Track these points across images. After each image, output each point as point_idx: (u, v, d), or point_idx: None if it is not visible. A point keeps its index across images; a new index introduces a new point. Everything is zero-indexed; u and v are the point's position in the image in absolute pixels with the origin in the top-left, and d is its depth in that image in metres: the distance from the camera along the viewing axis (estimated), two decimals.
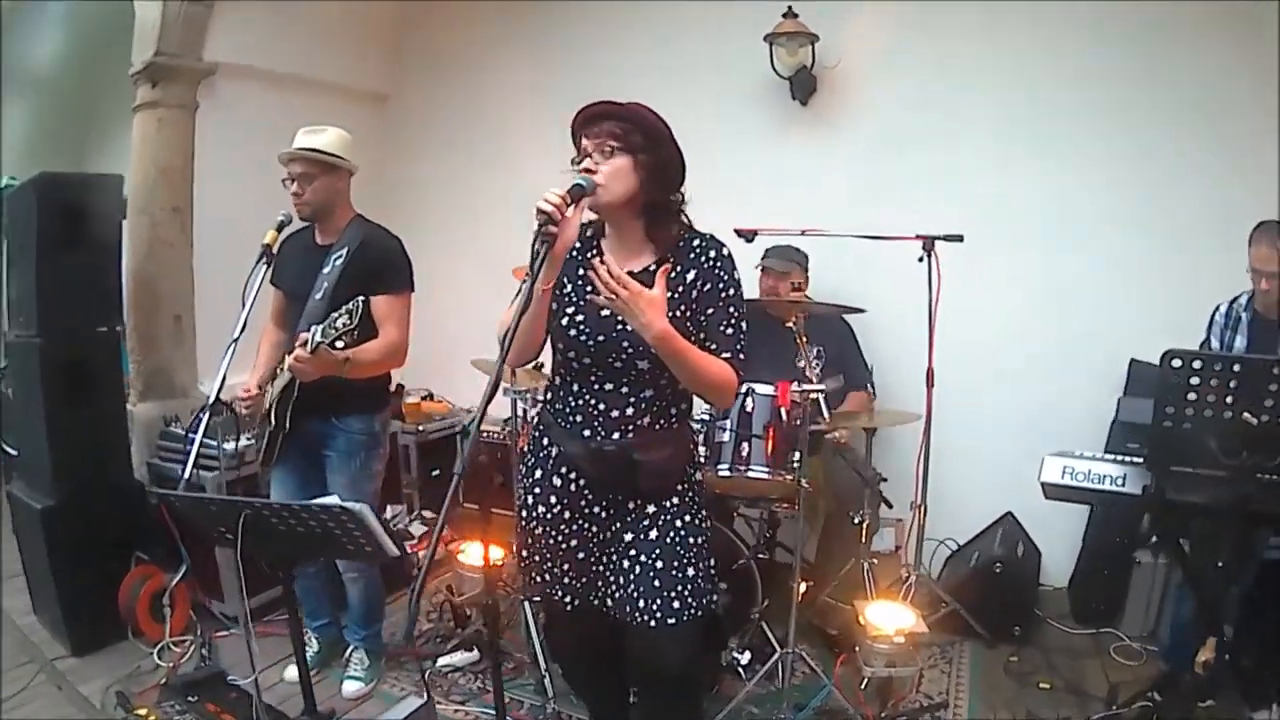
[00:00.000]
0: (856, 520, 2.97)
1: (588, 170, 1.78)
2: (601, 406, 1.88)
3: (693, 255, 1.87)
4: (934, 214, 3.29)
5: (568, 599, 2.00)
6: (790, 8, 3.61)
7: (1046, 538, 3.44)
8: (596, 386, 1.88)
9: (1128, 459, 2.25)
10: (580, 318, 1.85)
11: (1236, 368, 1.87)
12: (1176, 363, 1.91)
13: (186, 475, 2.35)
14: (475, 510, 3.92)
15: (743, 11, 3.80)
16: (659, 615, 1.86)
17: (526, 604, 2.96)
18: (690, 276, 1.85)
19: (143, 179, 3.26)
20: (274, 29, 3.71)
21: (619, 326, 1.79)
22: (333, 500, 1.93)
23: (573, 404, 1.91)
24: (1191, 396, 1.91)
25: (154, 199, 3.34)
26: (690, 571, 1.90)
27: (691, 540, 1.92)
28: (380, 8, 4.33)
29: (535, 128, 4.34)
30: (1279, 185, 2.87)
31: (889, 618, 2.64)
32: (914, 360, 3.13)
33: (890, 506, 3.12)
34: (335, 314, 2.26)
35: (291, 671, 2.84)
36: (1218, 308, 2.68)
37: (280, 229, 2.57)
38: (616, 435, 1.88)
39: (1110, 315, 3.42)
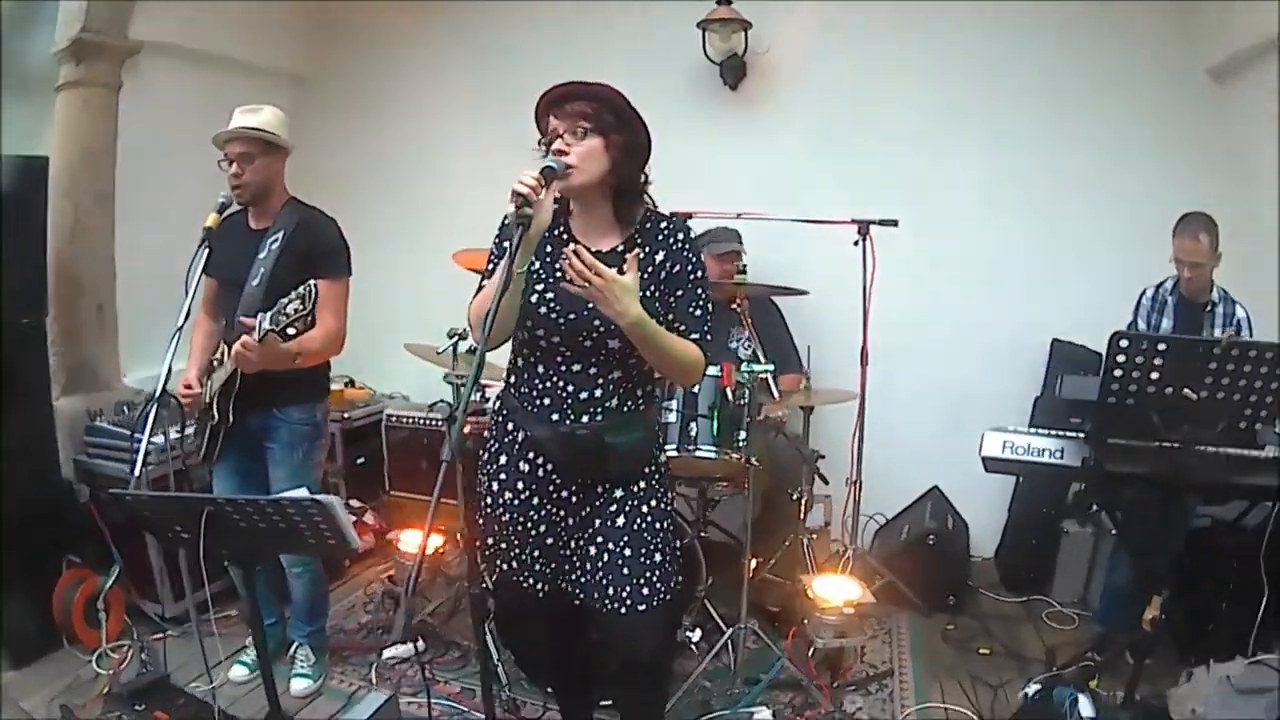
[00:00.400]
0: (795, 497, 3.05)
1: (559, 151, 1.75)
2: (570, 388, 1.85)
3: (660, 236, 1.86)
4: (862, 197, 3.38)
5: (538, 585, 1.97)
6: None
7: (971, 510, 3.60)
8: (564, 368, 1.85)
9: (1063, 433, 2.40)
10: (550, 295, 1.81)
11: (1176, 349, 2.00)
12: (1124, 343, 2.05)
13: (137, 473, 2.25)
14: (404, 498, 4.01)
15: None
16: (629, 602, 1.86)
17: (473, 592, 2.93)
18: (659, 258, 1.84)
19: (66, 162, 3.07)
20: (196, 7, 3.56)
21: (589, 305, 1.75)
22: (302, 494, 1.89)
23: (540, 386, 1.88)
24: (1136, 374, 2.03)
25: (77, 183, 3.16)
26: (658, 557, 1.90)
27: (658, 525, 1.93)
28: None
29: (456, 110, 4.38)
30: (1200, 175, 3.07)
31: (836, 590, 2.73)
32: (845, 340, 3.23)
33: (826, 483, 3.21)
34: (286, 300, 2.17)
35: (237, 671, 2.81)
36: (1144, 291, 2.85)
37: (221, 211, 2.46)
38: (585, 418, 1.86)
39: (1032, 297, 3.61)
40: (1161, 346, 2.03)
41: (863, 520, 3.53)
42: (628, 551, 1.88)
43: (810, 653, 2.72)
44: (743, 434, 2.62)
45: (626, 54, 3.86)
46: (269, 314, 2.23)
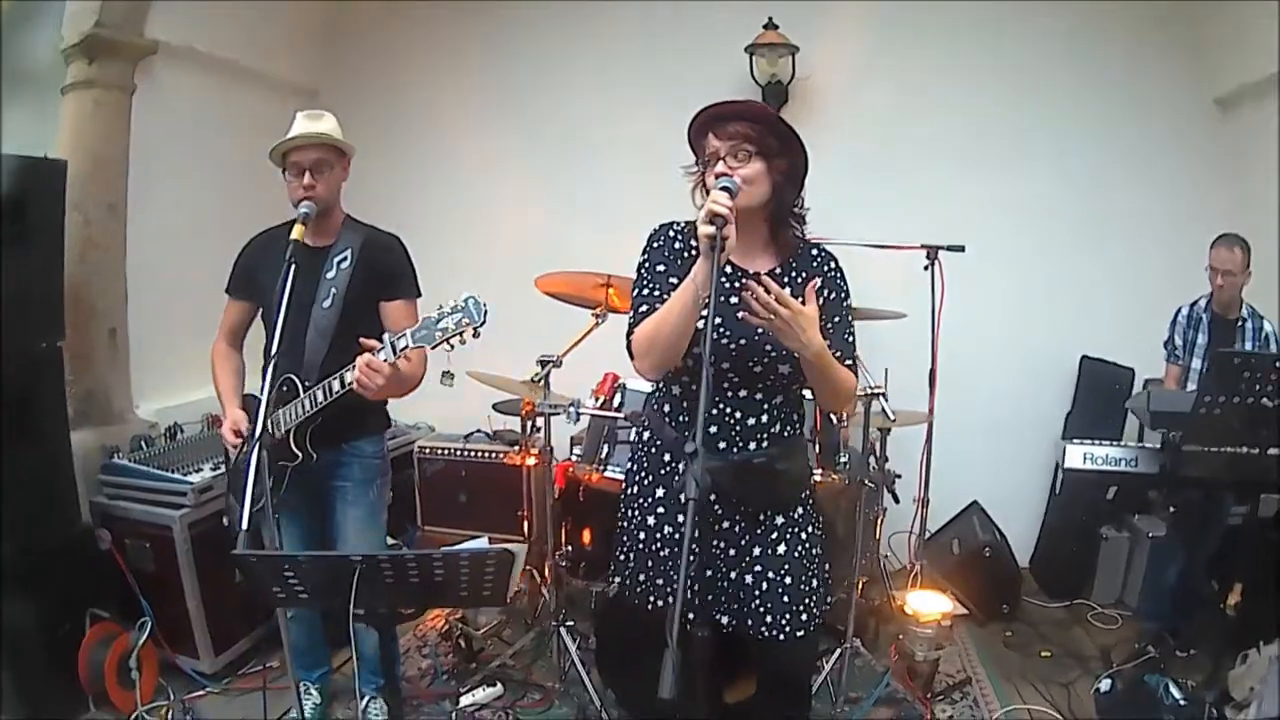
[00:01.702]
0: (872, 517, 3.22)
1: (722, 174, 1.79)
2: (738, 414, 1.89)
3: (815, 263, 1.94)
4: (899, 221, 3.56)
5: (691, 616, 2.01)
6: (770, 18, 3.86)
7: (1005, 522, 3.82)
8: (731, 394, 1.89)
9: (1132, 444, 2.71)
10: (718, 321, 1.80)
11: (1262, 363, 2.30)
12: (1224, 359, 2.32)
13: (245, 525, 2.00)
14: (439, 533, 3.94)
15: (708, 20, 4.03)
16: (788, 629, 1.91)
17: (563, 630, 2.96)
18: (817, 285, 1.87)
19: (75, 170, 2.82)
20: (210, 8, 3.40)
21: (759, 330, 1.80)
22: (482, 544, 1.85)
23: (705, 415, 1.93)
24: (1226, 387, 2.32)
25: (88, 194, 2.93)
26: (814, 583, 1.97)
27: (815, 551, 1.99)
28: None
29: (479, 130, 4.40)
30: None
31: (931, 604, 2.93)
32: (906, 362, 3.35)
33: (898, 502, 3.39)
34: (436, 317, 2.10)
35: None
36: (1179, 309, 3.21)
37: (305, 223, 2.30)
38: (752, 445, 1.90)
39: (1061, 317, 3.95)
40: (1253, 361, 2.33)
41: (902, 536, 3.79)
42: (789, 580, 1.92)
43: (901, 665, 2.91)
44: (844, 455, 2.78)
45: (668, 75, 4.03)
46: (409, 332, 2.13)
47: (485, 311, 2.06)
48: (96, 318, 3.06)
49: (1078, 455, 2.81)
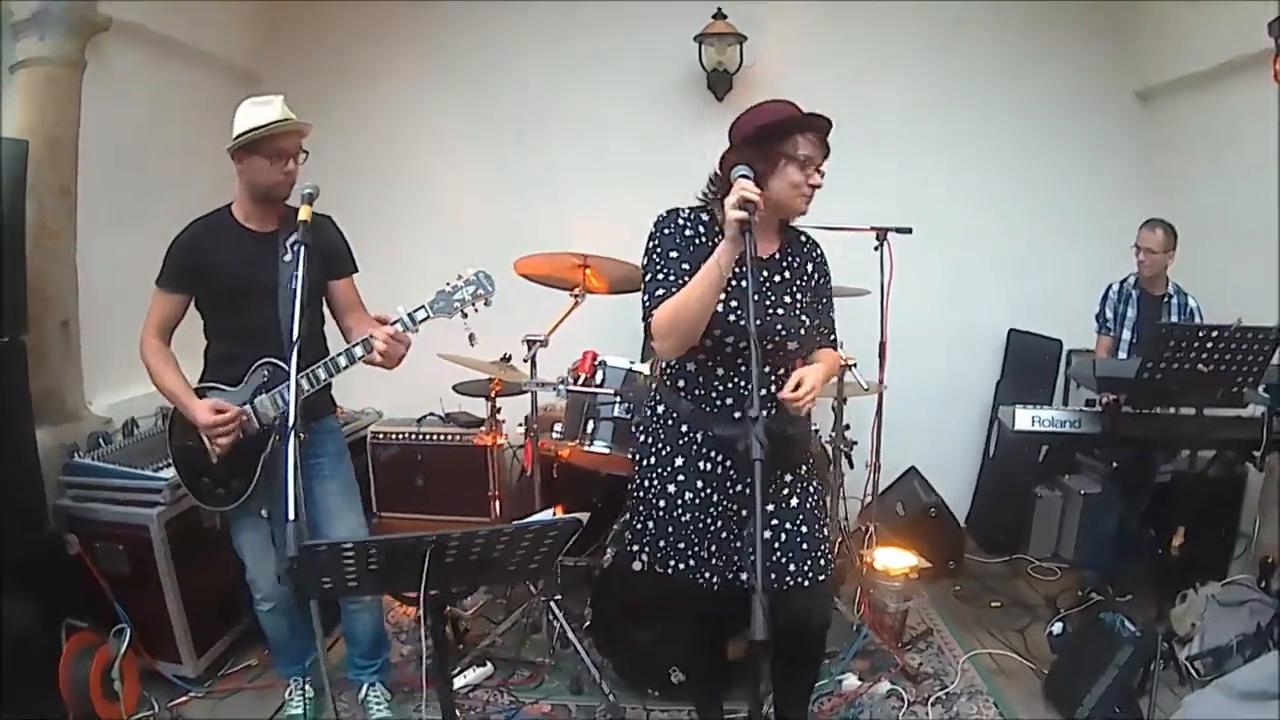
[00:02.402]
0: (835, 482, 3.48)
1: (819, 186, 2.10)
2: (749, 387, 2.01)
3: (805, 249, 2.22)
4: (838, 203, 3.79)
5: (714, 579, 2.18)
6: (720, 9, 4.07)
7: (941, 485, 4.12)
8: (744, 368, 2.09)
9: (1075, 408, 3.07)
10: (734, 303, 2.03)
11: (1191, 332, 2.65)
12: (1165, 330, 2.66)
13: (293, 515, 1.96)
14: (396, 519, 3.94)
15: (659, 10, 4.19)
16: (810, 575, 2.14)
17: (553, 605, 3.07)
18: (809, 269, 2.19)
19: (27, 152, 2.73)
20: None
21: (770, 311, 2.07)
22: (547, 515, 1.95)
23: (720, 388, 2.12)
24: (1167, 355, 2.66)
25: (41, 177, 2.77)
26: (825, 531, 2.22)
27: (821, 502, 2.25)
28: None
29: (426, 115, 4.41)
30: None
31: (898, 560, 3.23)
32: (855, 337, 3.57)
33: (852, 467, 3.60)
34: (451, 287, 2.30)
35: None
36: (1110, 286, 3.59)
37: (311, 203, 2.29)
38: (765, 413, 2.11)
39: (989, 292, 4.32)
40: (1186, 333, 2.67)
41: (851, 501, 4.03)
42: (804, 529, 2.16)
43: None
44: (815, 424, 2.99)
45: (619, 62, 4.21)
46: (426, 304, 2.30)
47: (493, 283, 2.32)
48: (49, 309, 2.93)
49: (1026, 418, 3.13)
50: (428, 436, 3.93)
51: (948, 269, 4.30)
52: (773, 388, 2.11)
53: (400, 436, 3.95)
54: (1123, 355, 3.47)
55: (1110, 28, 4.12)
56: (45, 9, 2.77)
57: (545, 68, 4.34)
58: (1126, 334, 3.50)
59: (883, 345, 3.58)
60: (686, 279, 2.02)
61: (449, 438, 3.96)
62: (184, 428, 2.48)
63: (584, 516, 1.85)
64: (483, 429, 3.74)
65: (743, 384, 2.11)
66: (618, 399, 3.03)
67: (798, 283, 2.16)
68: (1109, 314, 3.56)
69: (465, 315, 2.32)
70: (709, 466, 2.16)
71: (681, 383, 2.19)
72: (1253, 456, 2.84)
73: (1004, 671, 3.09)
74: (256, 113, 2.37)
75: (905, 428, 4.14)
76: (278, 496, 2.44)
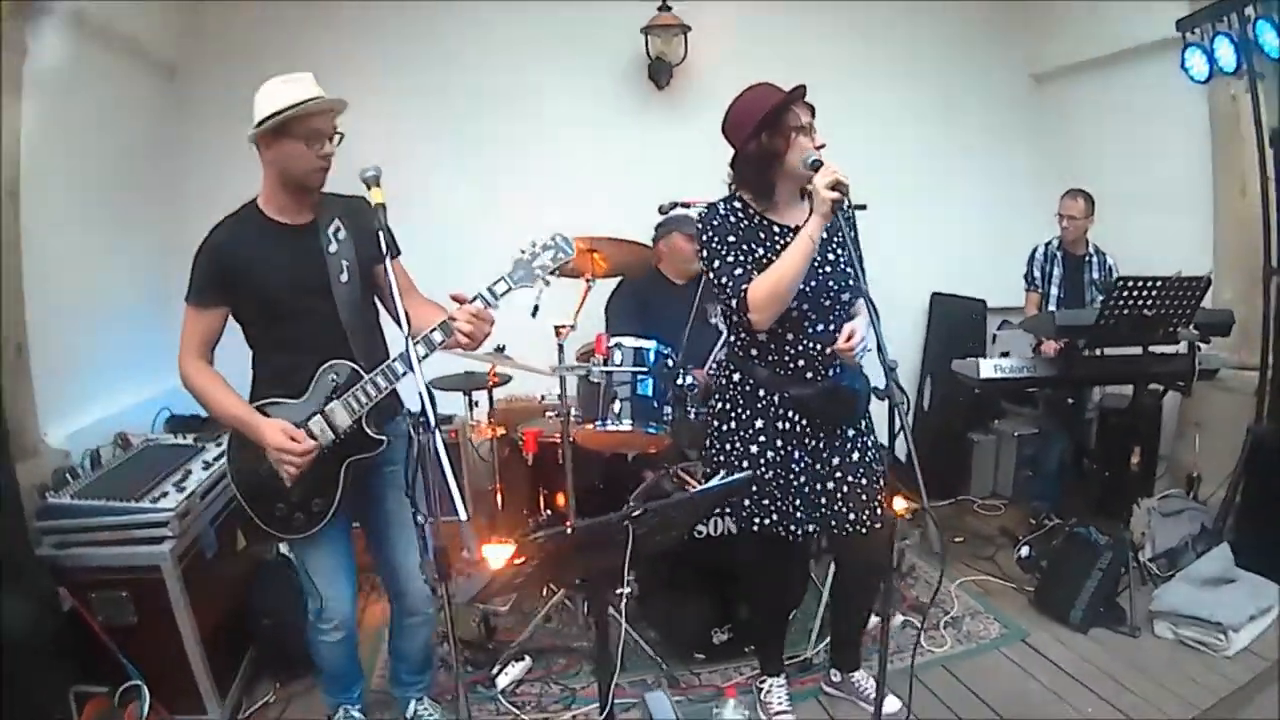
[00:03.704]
0: None
1: (819, 145, 2.30)
2: (817, 347, 2.38)
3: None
4: None
5: (796, 530, 2.45)
6: (665, 2, 4.31)
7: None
8: (810, 329, 2.37)
9: (1030, 356, 3.59)
10: None
11: (1144, 283, 3.18)
12: (1120, 282, 3.15)
13: (467, 515, 1.88)
14: None
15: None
16: (868, 524, 2.46)
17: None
18: (839, 229, 2.38)
19: None
20: None
21: (820, 270, 2.34)
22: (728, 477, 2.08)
23: (791, 351, 2.39)
24: (1121, 302, 3.18)
25: None
26: (881, 482, 2.52)
27: (879, 454, 2.54)
28: None
29: (361, 108, 4.09)
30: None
31: (895, 501, 3.58)
32: None
33: None
34: (527, 254, 2.16)
35: None
36: (1036, 248, 4.14)
37: (377, 183, 2.11)
38: (830, 372, 2.40)
39: (911, 261, 4.78)
40: (1142, 284, 3.21)
41: None
42: (864, 480, 2.47)
43: None
44: None
45: (567, 49, 4.31)
46: (505, 275, 2.16)
47: (571, 245, 2.19)
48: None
49: (989, 367, 3.58)
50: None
51: (871, 240, 4.72)
52: (830, 349, 2.34)
53: None
54: (1051, 308, 4.05)
55: (1007, 19, 4.74)
56: None
57: (487, 59, 4.36)
58: (1054, 290, 4.07)
59: None
60: (751, 259, 2.30)
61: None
62: (248, 451, 2.26)
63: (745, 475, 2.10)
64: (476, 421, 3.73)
65: (812, 345, 2.37)
66: (650, 376, 3.15)
67: (834, 241, 2.40)
68: (1036, 273, 4.13)
69: (546, 282, 2.21)
70: (786, 426, 2.40)
71: (755, 350, 2.43)
72: (1179, 386, 3.45)
73: (990, 593, 3.54)
74: (286, 91, 2.16)
75: None
76: (374, 511, 2.47)
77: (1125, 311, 3.18)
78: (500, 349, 3.32)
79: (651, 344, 3.23)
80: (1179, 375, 3.42)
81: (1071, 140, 4.60)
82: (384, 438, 2.31)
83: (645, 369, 3.13)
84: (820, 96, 4.18)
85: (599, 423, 3.18)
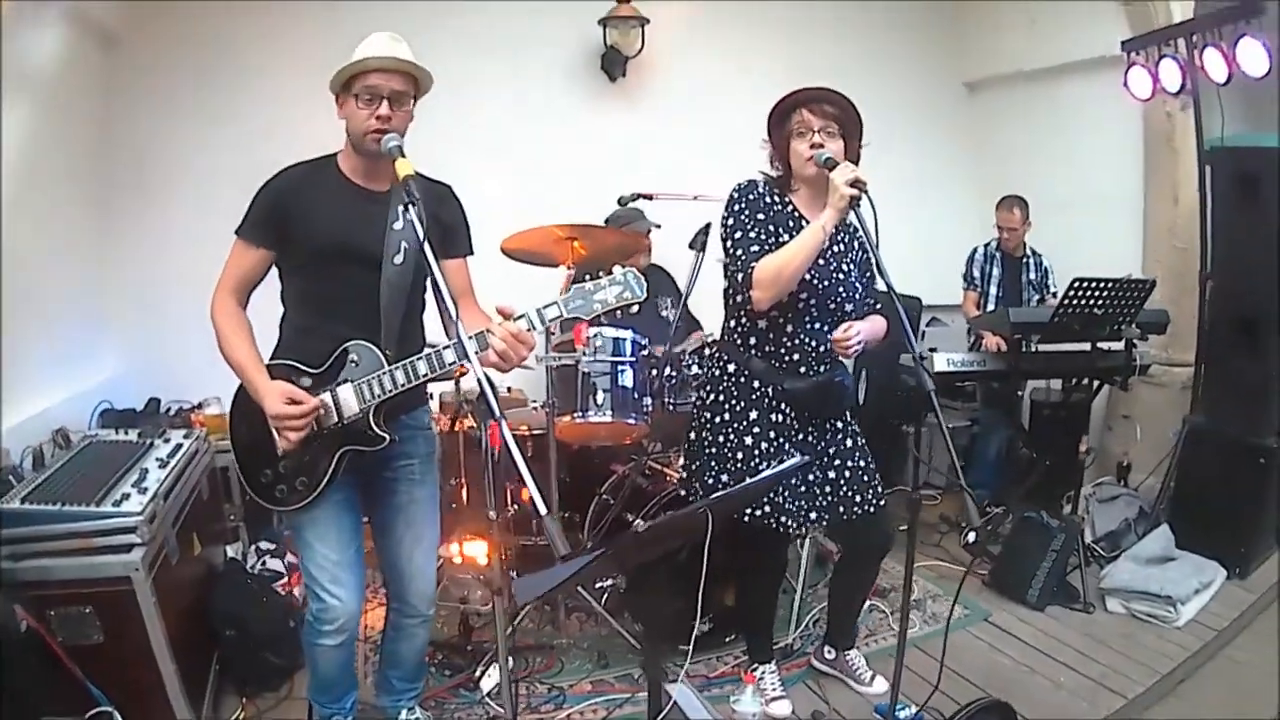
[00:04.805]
0: None
1: (818, 145, 2.40)
2: (813, 344, 2.50)
3: (850, 228, 2.57)
4: (716, 177, 3.99)
5: (788, 522, 2.53)
6: None
7: None
8: (809, 325, 2.50)
9: (975, 353, 3.87)
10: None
11: (1095, 283, 3.48)
12: (1075, 282, 3.43)
13: (545, 510, 1.79)
14: None
15: None
16: (873, 503, 2.63)
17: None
18: (856, 244, 2.60)
19: None
20: None
21: (833, 274, 2.48)
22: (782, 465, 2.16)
23: (788, 344, 2.50)
24: (1076, 302, 3.47)
25: None
26: (875, 465, 2.69)
27: (866, 441, 2.71)
28: None
29: (312, 93, 3.93)
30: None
31: None
32: None
33: None
34: (594, 285, 2.06)
35: None
36: (975, 249, 4.43)
37: (402, 154, 2.05)
38: (822, 367, 2.54)
39: None
40: (1085, 285, 3.50)
41: None
42: (861, 464, 2.64)
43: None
44: None
45: (522, 40, 4.33)
46: (560, 301, 2.06)
47: (643, 286, 2.08)
48: None
49: (943, 361, 3.85)
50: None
51: None
52: (827, 344, 2.49)
53: None
54: (990, 307, 4.36)
55: (942, 29, 5.06)
56: None
57: (434, 46, 4.11)
58: (993, 289, 4.39)
59: None
60: (773, 241, 2.41)
61: None
62: (249, 408, 2.16)
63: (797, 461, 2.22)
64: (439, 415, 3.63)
65: (808, 341, 2.49)
66: (630, 366, 3.19)
67: (850, 254, 2.55)
68: (975, 273, 4.43)
69: (602, 320, 2.21)
70: (780, 419, 2.51)
71: (753, 340, 2.53)
72: (1115, 380, 3.81)
73: (945, 577, 3.79)
74: (360, 48, 2.15)
75: None
76: (385, 505, 2.39)
77: (1077, 310, 3.48)
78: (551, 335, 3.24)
79: (628, 334, 3.28)
80: (1116, 370, 3.77)
81: (1003, 146, 4.96)
82: (387, 435, 2.20)
83: (629, 359, 3.19)
84: (762, 97, 4.34)
85: (579, 414, 3.21)
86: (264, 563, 3.39)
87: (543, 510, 1.79)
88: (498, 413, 1.85)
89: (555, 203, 3.80)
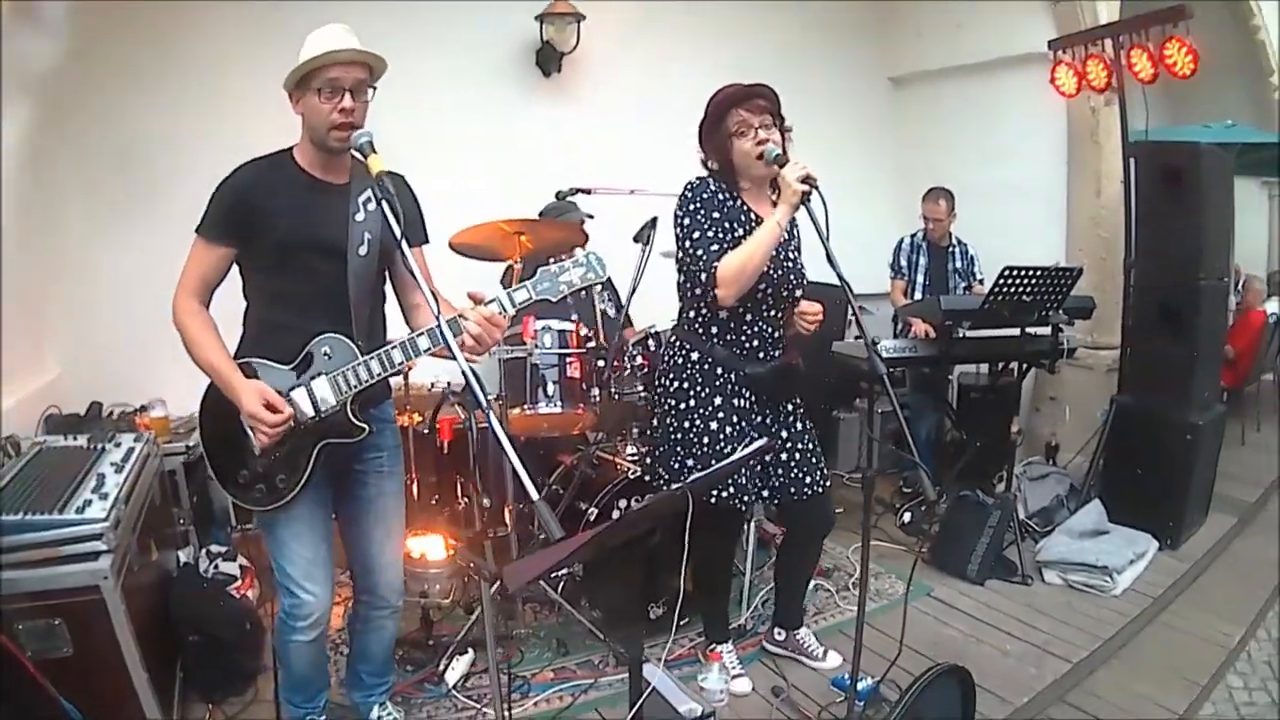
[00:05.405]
0: None
1: (763, 141, 2.56)
2: (769, 330, 2.71)
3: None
4: (650, 171, 4.03)
5: (746, 500, 2.72)
6: None
7: None
8: (766, 313, 2.69)
9: (906, 339, 4.11)
10: None
11: (1023, 271, 3.72)
12: (1005, 271, 3.65)
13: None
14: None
15: None
16: (821, 484, 2.82)
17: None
18: (795, 232, 2.79)
19: None
20: None
21: (786, 263, 2.67)
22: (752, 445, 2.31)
23: (748, 331, 2.69)
24: (1005, 289, 3.70)
25: None
26: (822, 448, 2.89)
27: (813, 423, 2.90)
28: None
29: (250, 79, 3.85)
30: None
31: None
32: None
33: None
34: (558, 268, 2.14)
35: None
36: (902, 239, 4.67)
37: (372, 150, 2.08)
38: (777, 353, 2.73)
39: None
40: (1023, 272, 3.74)
41: None
42: (811, 446, 2.83)
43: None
44: None
45: (458, 36, 4.40)
46: (528, 284, 2.13)
47: (605, 266, 2.17)
48: None
49: (881, 348, 4.05)
50: None
51: None
52: (779, 330, 2.73)
53: None
54: (918, 295, 4.60)
55: (868, 25, 5.29)
56: None
57: (372, 39, 4.15)
58: (920, 278, 4.63)
59: None
60: (730, 239, 2.55)
61: None
62: (222, 407, 2.18)
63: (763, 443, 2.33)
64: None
65: (765, 327, 2.68)
66: (579, 358, 3.33)
67: (793, 242, 2.76)
68: (903, 262, 4.67)
69: (569, 300, 2.27)
70: (741, 403, 2.68)
71: (715, 329, 2.68)
72: (1042, 364, 4.07)
73: (885, 556, 4.02)
74: (312, 43, 2.15)
75: None
76: (354, 498, 2.44)
77: (1007, 297, 3.72)
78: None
79: (573, 326, 3.39)
80: (1043, 354, 4.03)
81: (929, 140, 5.23)
82: (366, 425, 2.26)
83: (578, 350, 3.33)
84: (691, 92, 4.47)
85: (529, 406, 3.29)
86: (216, 566, 3.37)
87: (534, 495, 1.84)
88: (484, 401, 1.88)
89: (490, 198, 3.84)
